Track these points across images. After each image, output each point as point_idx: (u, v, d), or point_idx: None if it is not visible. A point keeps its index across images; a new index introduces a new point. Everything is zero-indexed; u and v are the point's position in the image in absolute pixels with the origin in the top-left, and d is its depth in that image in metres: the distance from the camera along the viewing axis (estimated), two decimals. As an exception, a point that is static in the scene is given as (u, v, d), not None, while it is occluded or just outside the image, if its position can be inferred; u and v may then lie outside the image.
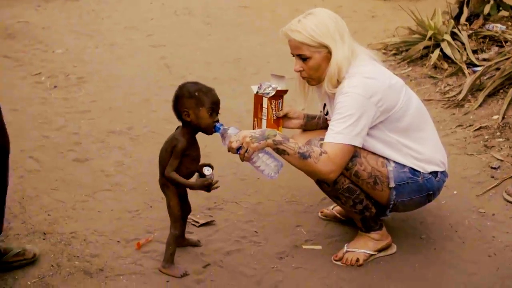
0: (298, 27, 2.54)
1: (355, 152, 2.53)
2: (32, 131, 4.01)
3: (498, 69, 4.49)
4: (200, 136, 2.58)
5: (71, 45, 5.78)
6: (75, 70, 5.10)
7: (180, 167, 2.53)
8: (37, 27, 6.27)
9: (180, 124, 2.58)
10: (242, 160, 2.46)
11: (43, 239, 2.84)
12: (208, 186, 2.55)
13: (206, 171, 2.57)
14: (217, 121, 2.50)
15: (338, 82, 2.55)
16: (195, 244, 2.82)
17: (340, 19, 2.59)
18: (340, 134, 2.46)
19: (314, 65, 2.56)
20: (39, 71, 5.04)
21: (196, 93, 2.47)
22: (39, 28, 6.26)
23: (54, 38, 5.90)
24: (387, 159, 2.60)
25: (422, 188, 2.64)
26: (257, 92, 2.77)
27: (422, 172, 2.63)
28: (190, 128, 2.53)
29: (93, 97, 4.56)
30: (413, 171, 2.61)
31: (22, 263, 2.59)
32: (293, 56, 2.61)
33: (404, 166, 2.60)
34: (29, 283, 2.54)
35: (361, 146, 2.52)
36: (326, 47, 2.53)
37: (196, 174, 2.62)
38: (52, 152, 3.73)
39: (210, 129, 2.51)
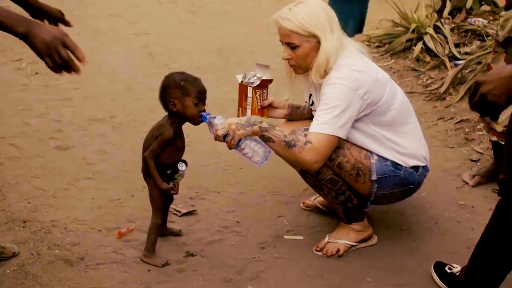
0: (289, 15, 2.53)
1: (339, 144, 2.54)
2: (13, 117, 3.96)
3: (479, 63, 4.52)
4: (183, 126, 2.57)
5: (53, 31, 5.72)
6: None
7: (164, 156, 2.52)
8: (19, 12, 6.18)
9: (166, 113, 2.56)
10: (230, 147, 2.46)
11: (23, 227, 2.82)
12: (176, 192, 2.59)
13: (180, 166, 2.57)
14: (203, 110, 2.49)
15: (326, 73, 2.55)
16: (177, 234, 2.82)
17: (330, 10, 2.59)
18: (325, 125, 2.47)
19: (302, 54, 2.56)
20: (20, 57, 4.97)
21: (182, 83, 2.46)
22: (22, 13, 6.17)
23: (36, 24, 5.84)
24: (370, 152, 2.62)
25: (403, 182, 2.66)
26: (241, 81, 2.77)
27: (404, 166, 2.64)
28: (176, 118, 2.52)
29: (75, 84, 4.51)
30: (395, 164, 2.63)
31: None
32: (282, 43, 2.61)
33: (386, 159, 2.62)
34: (8, 271, 2.51)
35: (345, 138, 2.53)
36: (315, 36, 2.53)
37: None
38: (33, 139, 3.69)
39: (196, 119, 2.50)
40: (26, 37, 1.85)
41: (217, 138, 2.46)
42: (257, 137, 2.48)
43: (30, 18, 2.05)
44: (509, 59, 3.07)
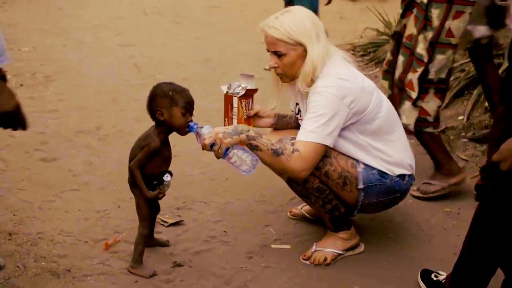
0: (276, 23, 2.55)
1: (326, 152, 2.55)
2: (-2, 130, 3.94)
3: (463, 70, 4.57)
4: (170, 136, 2.57)
5: (38, 43, 5.71)
6: (42, 68, 5.04)
7: (151, 166, 2.52)
8: (2, 25, 6.17)
9: (153, 124, 2.56)
10: (217, 156, 2.46)
11: (9, 239, 2.79)
12: (160, 198, 2.58)
13: (165, 177, 2.57)
14: (191, 121, 2.50)
15: (312, 81, 2.56)
16: (164, 244, 2.81)
17: (317, 18, 2.61)
18: (312, 133, 2.47)
19: (289, 62, 2.58)
20: (5, 69, 4.95)
21: (170, 93, 2.47)
22: (5, 25, 6.16)
23: (21, 36, 5.82)
24: (357, 160, 2.63)
25: (390, 190, 2.67)
26: (227, 92, 2.78)
27: (391, 175, 2.66)
28: (163, 128, 2.52)
29: (61, 96, 4.50)
30: (382, 173, 2.64)
31: None
32: (269, 52, 2.62)
33: (373, 168, 2.63)
34: (-6, 284, 2.50)
35: (332, 146, 2.54)
36: (302, 45, 2.54)
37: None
38: (18, 151, 3.68)
39: (183, 129, 2.50)
40: None
41: (204, 147, 2.46)
42: (244, 146, 2.48)
43: None
44: (393, 51, 3.36)
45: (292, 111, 2.88)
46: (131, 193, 2.63)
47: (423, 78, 3.16)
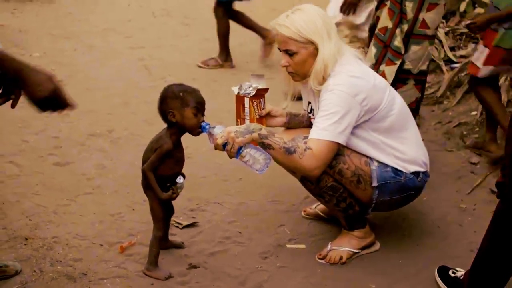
0: (286, 22, 2.54)
1: (339, 151, 2.54)
2: (12, 135, 3.96)
3: (475, 65, 4.53)
4: (182, 138, 2.57)
5: (49, 48, 5.73)
6: (53, 73, 5.03)
7: (164, 168, 2.52)
8: (13, 31, 6.20)
9: (165, 126, 2.56)
10: (230, 156, 2.45)
11: (25, 244, 2.80)
12: (174, 198, 2.58)
13: (178, 179, 2.57)
14: (203, 121, 2.49)
15: (324, 80, 2.56)
16: (179, 246, 2.81)
17: (327, 16, 2.60)
18: (325, 131, 2.47)
19: (300, 61, 2.57)
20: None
21: (181, 94, 2.47)
22: (16, 31, 6.18)
23: (31, 42, 5.84)
24: (370, 158, 2.62)
25: (404, 188, 2.66)
26: (238, 93, 2.77)
27: (405, 172, 2.64)
28: (175, 130, 2.52)
29: (72, 100, 4.51)
30: (396, 170, 2.63)
31: (1, 278, 2.55)
32: (280, 51, 2.62)
33: (387, 165, 2.62)
34: (11, 289, 2.51)
35: (345, 144, 2.53)
36: (313, 43, 2.53)
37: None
38: (32, 156, 3.69)
39: (195, 130, 2.50)
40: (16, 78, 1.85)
41: (217, 147, 2.46)
42: (257, 145, 2.48)
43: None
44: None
45: (305, 110, 2.88)
46: (144, 195, 2.63)
47: (399, 69, 3.25)
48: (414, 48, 3.21)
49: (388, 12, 3.21)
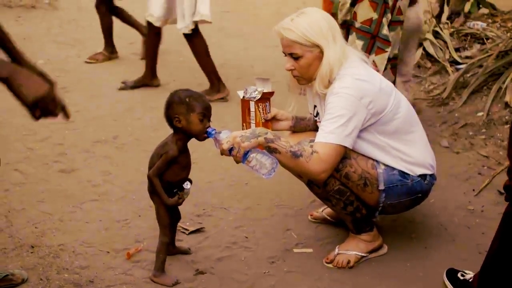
0: (291, 25, 2.53)
1: (345, 154, 2.53)
2: (16, 143, 3.96)
3: (481, 66, 4.52)
4: (188, 143, 2.57)
5: (53, 55, 5.74)
6: (58, 80, 4.98)
7: (170, 174, 2.51)
8: (18, 38, 6.13)
9: (171, 131, 2.56)
10: (237, 161, 2.44)
11: (31, 252, 2.80)
12: (180, 204, 2.57)
13: (185, 185, 2.56)
14: (209, 127, 2.49)
15: (329, 83, 2.55)
16: (186, 252, 2.80)
17: (332, 20, 2.59)
18: (331, 134, 2.45)
19: (305, 64, 2.56)
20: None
21: (187, 99, 2.47)
22: (20, 39, 6.19)
23: (36, 49, 5.85)
24: (376, 161, 2.60)
25: (411, 191, 2.64)
26: (243, 96, 2.76)
27: (412, 175, 2.63)
28: (181, 135, 2.51)
29: (77, 107, 4.51)
30: (403, 173, 2.61)
31: (8, 287, 2.54)
32: (285, 54, 2.61)
33: (393, 168, 2.60)
34: (18, 297, 2.50)
35: (351, 147, 2.52)
36: (318, 46, 2.53)
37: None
38: (37, 163, 3.69)
39: (201, 135, 2.49)
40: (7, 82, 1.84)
41: (223, 152, 2.45)
42: (263, 150, 2.46)
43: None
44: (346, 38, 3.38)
45: (310, 114, 2.86)
46: (151, 201, 2.62)
47: None
48: (391, 34, 3.34)
49: (371, 5, 3.29)
